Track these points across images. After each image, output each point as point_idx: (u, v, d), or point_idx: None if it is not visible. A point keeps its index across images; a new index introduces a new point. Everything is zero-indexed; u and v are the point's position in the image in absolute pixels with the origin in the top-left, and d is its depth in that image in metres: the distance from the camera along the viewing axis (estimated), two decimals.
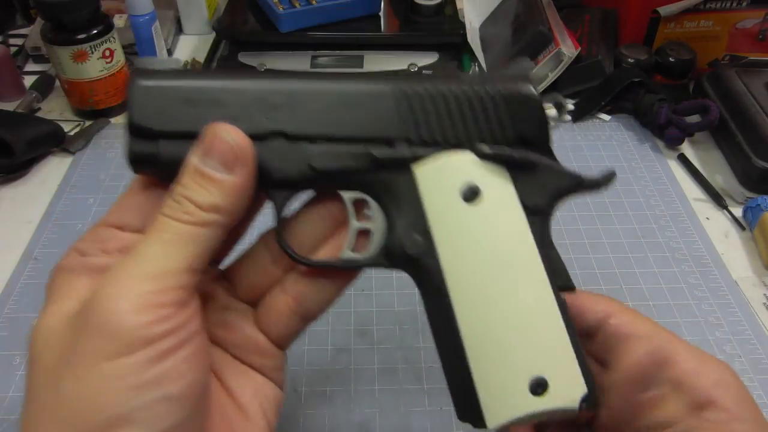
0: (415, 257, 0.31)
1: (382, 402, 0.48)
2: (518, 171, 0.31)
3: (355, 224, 0.32)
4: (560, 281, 0.31)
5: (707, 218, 0.64)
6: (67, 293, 0.28)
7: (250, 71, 0.32)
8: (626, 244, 0.60)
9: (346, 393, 0.49)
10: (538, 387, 0.29)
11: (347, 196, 0.32)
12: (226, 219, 0.28)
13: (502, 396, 0.29)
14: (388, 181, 0.31)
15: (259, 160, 0.29)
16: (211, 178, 0.28)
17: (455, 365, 0.31)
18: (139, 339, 0.25)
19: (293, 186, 0.31)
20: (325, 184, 0.32)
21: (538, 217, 0.31)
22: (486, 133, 0.31)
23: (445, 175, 0.30)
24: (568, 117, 0.32)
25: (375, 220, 0.32)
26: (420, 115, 0.30)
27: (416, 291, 0.55)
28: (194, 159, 0.28)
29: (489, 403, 0.30)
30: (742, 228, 0.63)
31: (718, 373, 0.31)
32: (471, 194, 0.30)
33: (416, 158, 0.30)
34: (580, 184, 0.31)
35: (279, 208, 0.31)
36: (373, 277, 0.57)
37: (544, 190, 0.31)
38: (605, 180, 0.32)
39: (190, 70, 0.31)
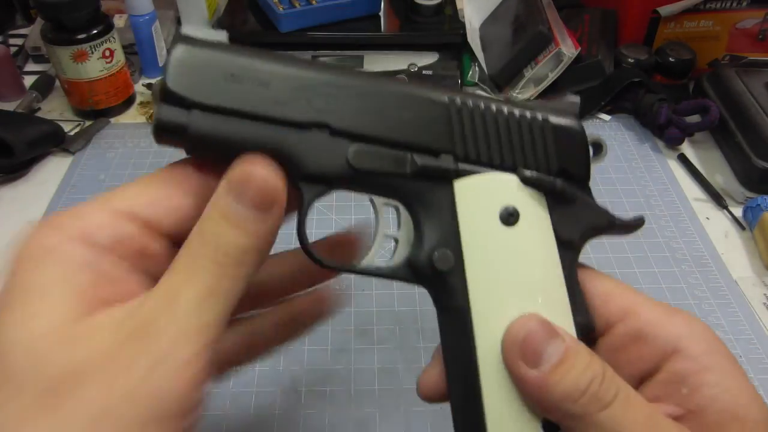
0: (442, 272, 0.29)
1: (382, 402, 0.48)
2: (556, 202, 0.30)
3: (383, 231, 0.31)
4: (581, 318, 0.30)
5: (707, 218, 0.64)
6: (65, 298, 0.23)
7: (301, 58, 0.30)
8: (626, 244, 0.60)
9: (346, 393, 0.49)
10: (552, 426, 0.27)
11: (378, 201, 0.31)
12: (261, 258, 0.26)
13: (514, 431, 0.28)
14: (425, 192, 0.30)
15: (298, 149, 0.28)
16: (246, 220, 0.25)
17: (466, 394, 0.29)
18: (185, 411, 0.23)
19: (327, 182, 0.29)
20: (359, 186, 0.30)
21: (569, 251, 0.30)
22: (530, 160, 0.30)
23: (486, 195, 0.30)
24: (605, 158, 0.32)
25: (402, 231, 0.31)
26: (470, 131, 0.30)
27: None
28: (225, 199, 0.25)
29: None
30: (742, 228, 0.63)
31: (686, 324, 0.28)
32: (509, 217, 0.29)
33: (459, 173, 0.30)
34: (612, 225, 0.31)
35: (307, 203, 0.29)
36: (373, 277, 0.57)
37: (577, 224, 0.30)
38: (635, 224, 0.32)
39: (239, 46, 0.29)
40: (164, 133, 0.27)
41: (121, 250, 0.25)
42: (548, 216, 0.30)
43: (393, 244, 0.32)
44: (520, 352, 0.26)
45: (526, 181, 0.30)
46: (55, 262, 0.23)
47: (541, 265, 0.29)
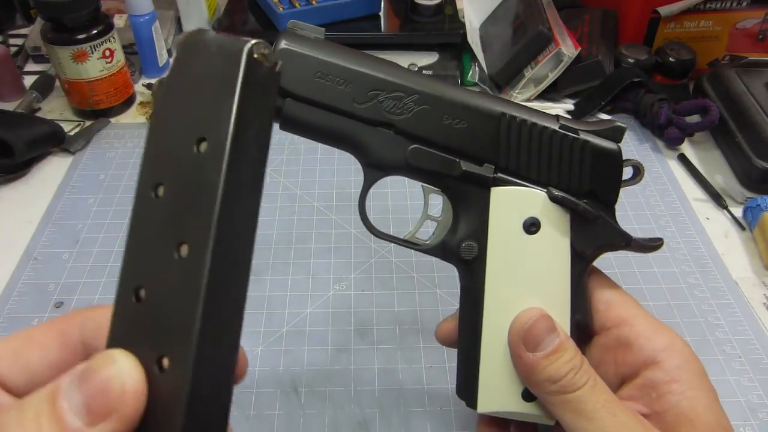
0: (466, 260, 0.35)
1: (382, 402, 0.48)
2: (579, 219, 0.34)
3: (428, 213, 0.37)
4: (580, 317, 0.34)
5: (707, 218, 0.64)
6: None
7: (380, 60, 0.35)
8: None
9: (346, 393, 0.49)
10: (530, 395, 0.33)
11: (427, 188, 0.36)
12: None
13: (498, 391, 0.34)
14: (466, 191, 0.34)
15: (366, 141, 0.33)
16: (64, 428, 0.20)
17: (468, 354, 0.35)
18: None
19: (386, 170, 0.35)
20: (412, 175, 0.35)
21: (581, 261, 0.34)
22: (564, 178, 0.34)
23: (515, 205, 0.34)
24: (641, 181, 0.36)
25: (443, 217, 0.37)
26: (514, 146, 0.34)
27: (416, 292, 0.55)
28: (63, 389, 0.20)
29: (485, 392, 0.34)
30: (742, 228, 0.63)
31: (669, 340, 0.33)
32: (531, 227, 0.34)
33: (497, 182, 0.34)
34: (627, 245, 0.35)
35: (369, 184, 0.35)
36: (373, 277, 0.57)
37: (594, 241, 0.34)
38: (652, 246, 0.36)
39: (332, 45, 0.34)
40: None
41: None
42: (568, 229, 0.34)
43: (434, 225, 0.38)
44: (523, 336, 0.32)
45: (553, 199, 0.34)
46: None
47: (550, 270, 0.34)
